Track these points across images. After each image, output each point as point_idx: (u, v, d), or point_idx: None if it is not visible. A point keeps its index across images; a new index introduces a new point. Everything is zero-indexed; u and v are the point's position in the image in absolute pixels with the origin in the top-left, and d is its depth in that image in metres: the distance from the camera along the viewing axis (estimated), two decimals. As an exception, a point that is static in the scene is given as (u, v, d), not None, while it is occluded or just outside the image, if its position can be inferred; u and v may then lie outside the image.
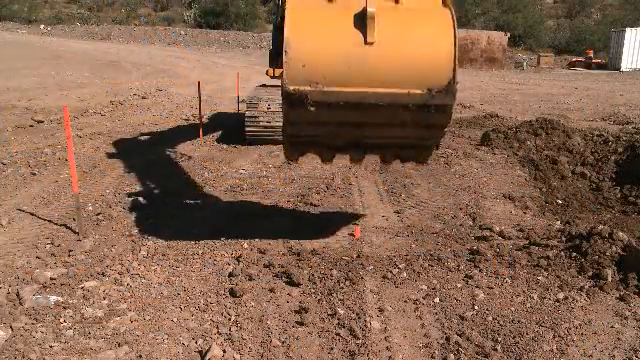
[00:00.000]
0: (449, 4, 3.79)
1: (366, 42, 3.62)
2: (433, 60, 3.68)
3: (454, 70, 3.67)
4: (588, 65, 35.55)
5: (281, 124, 8.08)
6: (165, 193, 6.47)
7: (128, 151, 8.68)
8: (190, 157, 8.55)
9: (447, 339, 3.47)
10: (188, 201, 6.25)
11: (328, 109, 3.77)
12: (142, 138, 9.97)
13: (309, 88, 3.68)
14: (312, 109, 3.76)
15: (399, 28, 3.70)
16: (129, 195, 6.33)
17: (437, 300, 3.97)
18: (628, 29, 33.97)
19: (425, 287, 4.16)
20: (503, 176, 7.67)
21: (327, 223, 5.51)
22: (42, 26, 42.37)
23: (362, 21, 3.61)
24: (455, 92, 3.75)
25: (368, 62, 3.65)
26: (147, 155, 8.41)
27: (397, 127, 3.98)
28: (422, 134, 4.12)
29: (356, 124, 3.96)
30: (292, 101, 3.73)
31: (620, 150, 7.91)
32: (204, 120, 11.46)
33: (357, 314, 3.73)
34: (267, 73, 9.89)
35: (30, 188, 6.58)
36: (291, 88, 3.67)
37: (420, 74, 3.68)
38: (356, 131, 4.09)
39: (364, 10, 3.60)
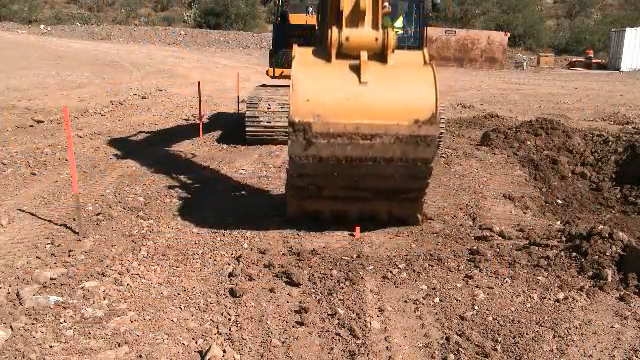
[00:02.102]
0: (430, 62, 4.54)
1: (360, 82, 4.29)
2: (419, 96, 4.33)
3: (437, 104, 4.28)
4: (588, 65, 35.54)
5: (281, 124, 8.80)
6: (164, 193, 6.47)
7: (128, 151, 8.68)
8: (195, 155, 8.57)
9: (447, 339, 3.47)
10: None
11: (327, 140, 4.34)
12: (142, 138, 9.97)
13: (312, 120, 4.28)
14: (314, 140, 4.33)
15: (389, 72, 4.44)
16: (129, 195, 6.33)
17: (437, 300, 3.97)
18: (628, 29, 33.97)
19: (425, 287, 4.16)
20: (503, 176, 7.67)
21: (327, 223, 5.50)
22: (42, 26, 42.33)
23: (356, 66, 4.33)
24: (438, 124, 4.38)
25: (362, 98, 4.29)
26: (147, 155, 8.40)
27: (389, 163, 4.49)
28: (411, 171, 4.63)
29: (352, 159, 4.45)
30: (297, 130, 4.30)
31: (620, 150, 7.91)
32: (204, 120, 11.46)
33: (357, 314, 3.73)
34: (267, 73, 9.90)
35: (30, 188, 6.58)
36: (296, 119, 4.27)
37: (408, 108, 4.31)
38: (352, 170, 4.55)
39: (358, 57, 4.34)
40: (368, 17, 4.56)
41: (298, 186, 4.84)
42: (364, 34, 4.52)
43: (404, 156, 4.42)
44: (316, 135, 4.29)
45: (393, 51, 4.55)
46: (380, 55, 4.54)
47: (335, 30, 4.49)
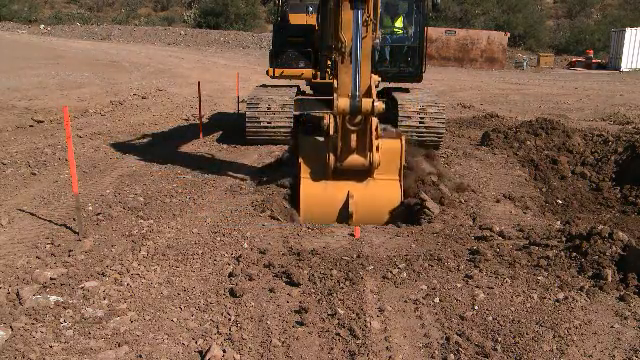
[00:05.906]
0: (400, 174, 6.00)
1: (350, 219, 5.84)
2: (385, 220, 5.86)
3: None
4: (588, 65, 35.51)
5: (281, 124, 9.14)
6: (164, 193, 6.47)
7: (128, 151, 8.68)
8: (195, 155, 8.56)
9: (447, 339, 3.47)
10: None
11: None
12: (142, 138, 9.97)
13: None
14: None
15: (368, 209, 5.86)
16: (129, 195, 6.33)
17: (437, 300, 3.97)
18: (628, 29, 33.93)
19: (425, 287, 4.16)
20: (503, 176, 7.67)
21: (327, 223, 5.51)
22: (42, 26, 42.30)
23: (346, 206, 5.87)
24: None
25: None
26: (147, 155, 8.40)
27: None
28: None
29: None
30: None
31: (620, 150, 7.92)
32: (204, 120, 11.46)
33: (357, 314, 3.73)
34: (267, 73, 9.89)
35: (30, 188, 6.58)
36: None
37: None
38: None
39: (348, 199, 5.84)
40: (357, 148, 5.74)
41: None
42: (354, 160, 5.78)
43: None
44: None
45: (377, 167, 5.87)
46: (367, 171, 5.92)
47: (332, 157, 5.79)
